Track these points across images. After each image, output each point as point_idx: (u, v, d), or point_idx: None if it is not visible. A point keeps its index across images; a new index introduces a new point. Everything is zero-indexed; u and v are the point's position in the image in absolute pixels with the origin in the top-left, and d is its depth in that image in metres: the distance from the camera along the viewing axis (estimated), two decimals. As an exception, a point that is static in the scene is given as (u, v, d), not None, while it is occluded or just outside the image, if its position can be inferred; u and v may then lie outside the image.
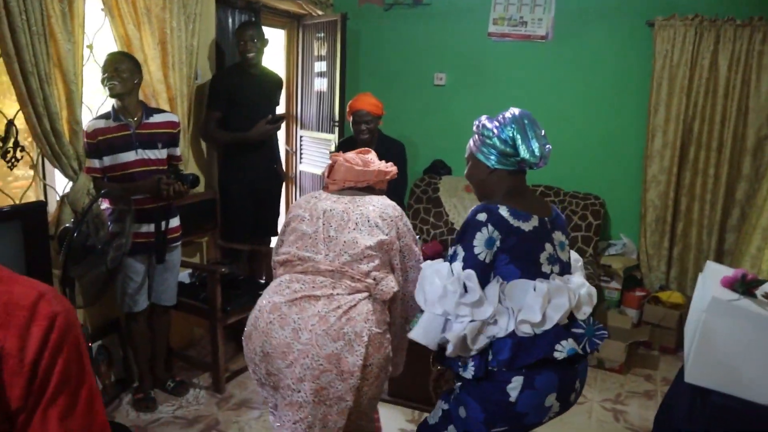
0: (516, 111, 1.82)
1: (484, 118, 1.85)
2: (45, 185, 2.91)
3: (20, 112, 2.57)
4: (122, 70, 2.74)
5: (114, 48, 3.02)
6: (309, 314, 1.80)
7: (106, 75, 2.75)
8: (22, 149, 2.69)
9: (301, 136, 4.69)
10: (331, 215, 1.95)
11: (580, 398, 3.26)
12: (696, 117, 3.91)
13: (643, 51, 4.02)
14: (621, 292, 4.04)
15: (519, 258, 1.72)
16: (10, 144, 2.64)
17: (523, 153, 1.76)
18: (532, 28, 4.24)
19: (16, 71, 2.43)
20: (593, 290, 1.88)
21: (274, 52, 4.56)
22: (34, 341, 0.78)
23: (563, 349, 1.67)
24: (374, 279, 1.89)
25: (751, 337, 2.01)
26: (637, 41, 4.04)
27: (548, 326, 1.68)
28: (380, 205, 2.00)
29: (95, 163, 2.83)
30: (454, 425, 1.84)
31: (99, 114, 2.90)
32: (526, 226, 1.74)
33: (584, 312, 1.80)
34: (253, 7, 4.01)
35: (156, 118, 2.91)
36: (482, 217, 1.72)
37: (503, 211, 1.73)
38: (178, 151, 3.03)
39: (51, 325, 0.80)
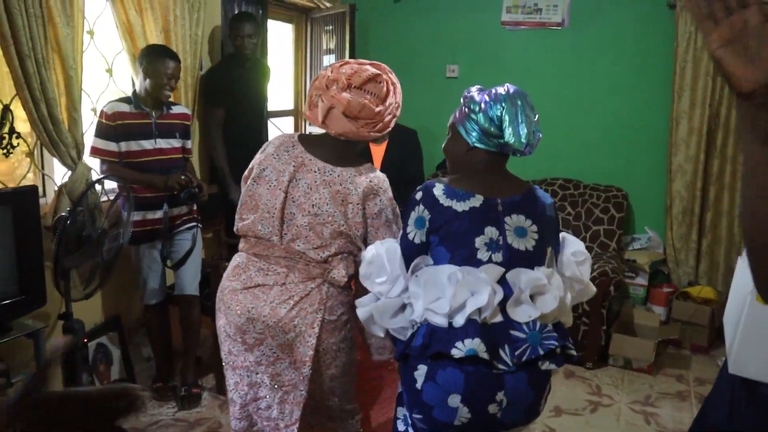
0: (511, 88, 1.66)
1: (474, 90, 1.70)
2: (43, 175, 2.82)
3: (17, 97, 2.49)
4: (179, 78, 2.81)
5: (115, 35, 2.94)
6: (261, 304, 1.77)
7: (166, 83, 2.71)
8: (18, 136, 2.59)
9: (310, 133, 4.57)
10: (296, 186, 1.75)
11: (606, 400, 3.17)
12: (723, 101, 3.76)
13: (665, 34, 3.87)
14: (647, 289, 3.90)
15: (448, 240, 1.60)
16: (6, 130, 2.54)
17: (509, 137, 1.61)
18: (547, 15, 4.11)
19: (12, 54, 2.36)
20: (552, 291, 1.60)
21: (281, 47, 4.47)
22: None
23: (463, 347, 1.50)
24: (330, 265, 1.78)
25: (803, 318, 1.82)
26: (659, 24, 3.90)
27: (460, 320, 1.53)
28: (350, 185, 1.74)
29: (110, 146, 2.70)
30: (401, 406, 1.79)
31: (117, 99, 2.84)
32: (461, 206, 1.60)
33: (525, 313, 1.57)
34: (261, -1, 3.90)
35: (174, 110, 2.91)
36: (418, 195, 1.65)
37: (437, 189, 1.63)
38: (189, 144, 2.98)
39: None
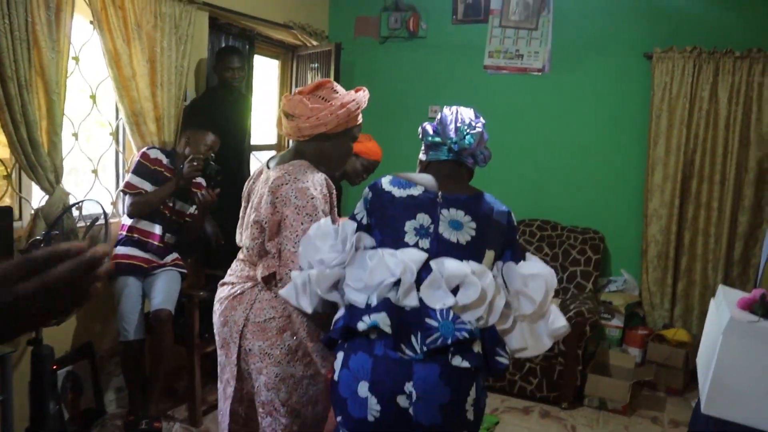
0: (452, 107, 1.81)
1: (425, 124, 1.83)
2: (20, 198, 2.78)
3: (-4, 120, 2.47)
4: (216, 150, 3.08)
5: (101, 61, 2.94)
6: (217, 299, 1.96)
7: (203, 152, 2.98)
8: (-5, 158, 2.56)
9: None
10: (253, 196, 1.94)
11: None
12: (697, 149, 3.87)
13: (642, 83, 4.00)
14: (623, 330, 3.91)
15: (382, 223, 1.68)
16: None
17: (446, 136, 1.73)
18: (528, 61, 4.21)
19: (-7, 75, 2.36)
20: (475, 285, 1.55)
21: (266, 83, 4.51)
22: None
23: (368, 320, 1.53)
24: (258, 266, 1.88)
25: (773, 360, 1.84)
26: (636, 73, 4.03)
27: (374, 298, 1.56)
28: (270, 175, 1.84)
29: (144, 185, 2.92)
30: None
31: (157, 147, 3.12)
32: (399, 192, 1.69)
33: (440, 299, 1.55)
34: (248, 35, 3.96)
35: (198, 179, 3.07)
36: (370, 185, 1.78)
37: (385, 178, 1.75)
38: (193, 209, 3.13)
39: None
